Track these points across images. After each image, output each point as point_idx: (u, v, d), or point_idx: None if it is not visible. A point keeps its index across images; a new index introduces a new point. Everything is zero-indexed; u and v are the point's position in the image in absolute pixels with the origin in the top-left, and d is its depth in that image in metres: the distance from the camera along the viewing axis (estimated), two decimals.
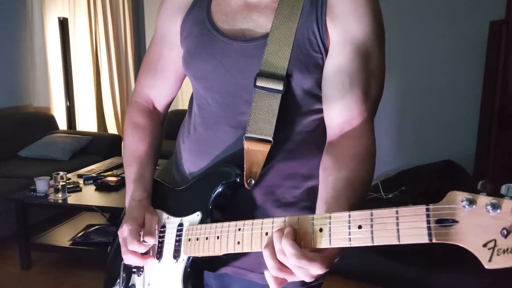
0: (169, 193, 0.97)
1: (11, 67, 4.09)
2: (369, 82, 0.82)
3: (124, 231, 0.88)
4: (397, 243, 0.57)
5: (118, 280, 0.98)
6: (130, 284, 0.96)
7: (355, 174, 0.77)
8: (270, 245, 0.67)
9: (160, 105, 1.06)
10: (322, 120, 0.88)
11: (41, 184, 2.74)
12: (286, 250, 0.64)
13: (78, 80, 4.72)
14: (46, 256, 2.97)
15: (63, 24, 4.45)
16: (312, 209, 0.89)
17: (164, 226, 0.92)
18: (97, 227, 2.90)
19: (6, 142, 3.79)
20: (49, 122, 4.30)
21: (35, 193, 2.73)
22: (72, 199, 2.74)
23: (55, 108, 4.51)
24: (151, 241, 0.89)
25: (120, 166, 3.43)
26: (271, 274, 0.67)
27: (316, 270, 0.64)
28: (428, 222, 0.54)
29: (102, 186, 2.92)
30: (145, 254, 0.91)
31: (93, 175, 3.10)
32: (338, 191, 0.74)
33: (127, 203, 0.96)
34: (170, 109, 1.11)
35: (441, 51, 3.80)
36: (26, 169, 3.47)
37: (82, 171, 3.28)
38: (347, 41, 0.81)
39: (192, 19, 0.92)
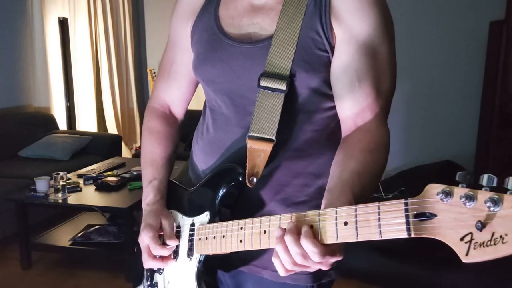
0: (183, 194, 0.99)
1: (11, 67, 4.09)
2: (379, 78, 0.83)
3: (144, 239, 0.91)
4: (380, 238, 0.57)
5: (143, 279, 1.02)
6: (153, 282, 0.99)
7: (362, 165, 0.77)
8: (283, 243, 0.66)
9: (175, 109, 1.09)
10: (332, 119, 0.89)
11: (41, 184, 2.74)
12: (308, 249, 0.63)
13: (78, 80, 4.72)
14: (46, 256, 2.97)
15: (63, 24, 4.45)
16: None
17: (179, 226, 0.95)
18: (97, 227, 2.90)
19: (6, 142, 3.79)
20: (49, 122, 4.29)
21: (35, 193, 2.73)
22: (72, 199, 2.73)
23: (55, 108, 4.51)
24: (174, 243, 0.92)
25: (120, 166, 3.44)
26: (286, 267, 0.67)
27: (336, 259, 0.66)
28: (407, 216, 0.54)
29: (102, 186, 2.92)
30: (166, 258, 0.94)
31: (93, 175, 3.10)
32: (343, 180, 0.74)
33: (143, 205, 0.99)
34: None
35: (441, 51, 3.80)
36: (26, 169, 3.47)
37: (82, 171, 3.27)
38: (353, 39, 0.81)
39: (201, 25, 0.95)
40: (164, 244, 0.91)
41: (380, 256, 2.48)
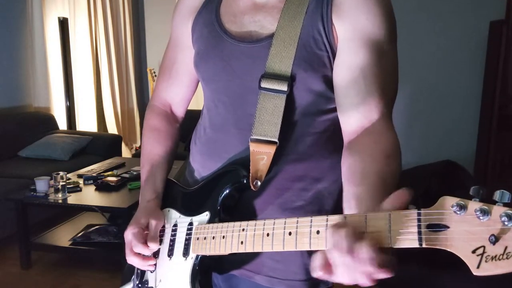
0: (182, 193, 0.98)
1: (11, 67, 4.09)
2: (384, 77, 0.79)
3: (128, 234, 0.90)
4: (389, 246, 0.56)
5: (133, 276, 1.00)
6: (143, 280, 0.98)
7: (387, 169, 0.72)
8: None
9: (176, 108, 1.08)
10: (332, 121, 0.87)
11: (41, 184, 2.74)
12: (364, 253, 0.54)
13: (78, 80, 4.72)
14: (46, 256, 2.97)
15: (63, 24, 4.45)
16: (319, 214, 0.86)
17: (176, 225, 0.94)
18: (97, 227, 2.91)
19: (6, 142, 3.79)
20: (49, 122, 4.29)
21: (35, 193, 2.73)
22: (72, 199, 2.73)
23: (55, 108, 4.51)
24: (155, 246, 0.91)
25: (120, 166, 3.44)
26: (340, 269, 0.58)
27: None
28: (419, 226, 0.53)
29: (102, 186, 2.92)
30: (147, 257, 0.93)
31: (93, 175, 3.10)
32: (372, 186, 0.68)
33: (139, 201, 0.98)
34: None
35: (441, 51, 3.80)
36: (26, 169, 3.47)
37: (82, 171, 3.27)
38: (357, 36, 0.78)
39: (202, 21, 0.93)
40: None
41: None
